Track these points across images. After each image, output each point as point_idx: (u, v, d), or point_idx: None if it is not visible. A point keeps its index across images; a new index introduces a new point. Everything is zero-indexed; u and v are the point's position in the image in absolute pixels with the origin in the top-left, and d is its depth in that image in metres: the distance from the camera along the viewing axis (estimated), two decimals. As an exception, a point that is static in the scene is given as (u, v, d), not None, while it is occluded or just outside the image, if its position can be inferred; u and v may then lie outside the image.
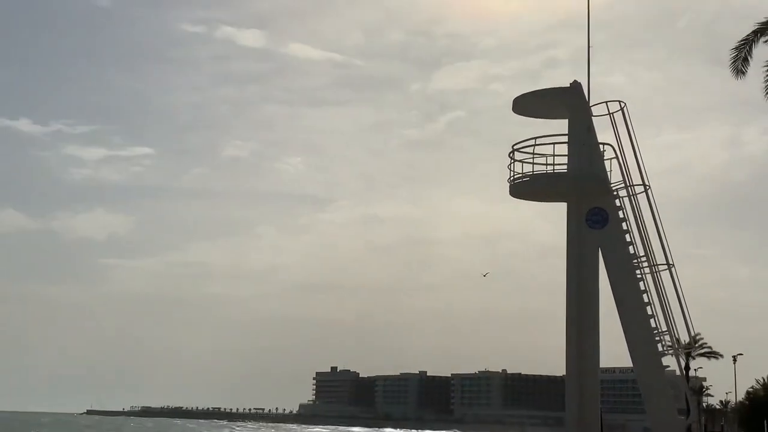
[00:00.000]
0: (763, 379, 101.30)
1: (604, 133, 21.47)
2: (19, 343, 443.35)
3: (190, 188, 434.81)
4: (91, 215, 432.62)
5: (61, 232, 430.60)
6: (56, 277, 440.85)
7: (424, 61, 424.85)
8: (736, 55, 25.70)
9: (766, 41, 25.48)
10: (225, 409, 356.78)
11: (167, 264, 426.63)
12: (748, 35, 25.59)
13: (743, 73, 26.04)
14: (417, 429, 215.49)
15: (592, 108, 21.57)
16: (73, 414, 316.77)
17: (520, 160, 21.87)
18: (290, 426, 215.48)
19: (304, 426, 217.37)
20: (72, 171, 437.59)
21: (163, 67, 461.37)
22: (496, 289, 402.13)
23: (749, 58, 25.71)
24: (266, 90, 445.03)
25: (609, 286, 20.87)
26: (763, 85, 25.83)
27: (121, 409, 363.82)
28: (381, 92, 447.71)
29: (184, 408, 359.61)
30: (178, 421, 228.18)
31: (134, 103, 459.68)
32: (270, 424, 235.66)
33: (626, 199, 20.93)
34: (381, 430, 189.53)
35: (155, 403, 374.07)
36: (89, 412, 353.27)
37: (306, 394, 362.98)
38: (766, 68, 25.66)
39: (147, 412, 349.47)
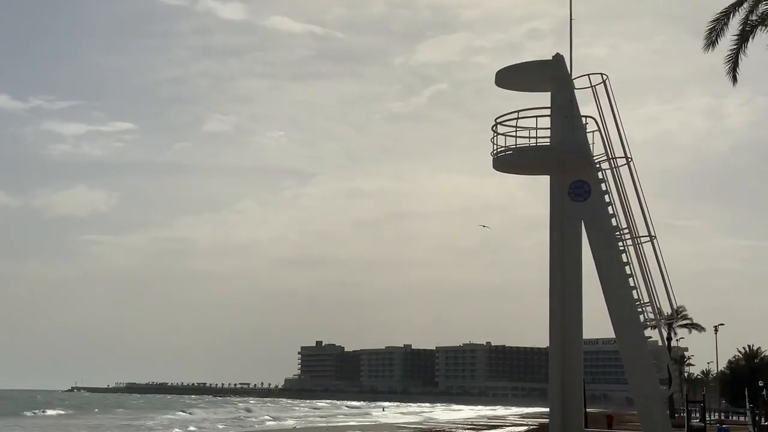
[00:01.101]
0: (745, 349, 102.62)
1: (586, 105, 21.53)
2: (2, 321, 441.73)
3: (172, 163, 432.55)
4: (73, 192, 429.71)
5: (42, 209, 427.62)
6: (38, 254, 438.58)
7: (406, 34, 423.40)
8: (713, 27, 25.59)
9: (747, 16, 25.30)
10: (211, 384, 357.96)
11: (150, 240, 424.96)
12: (727, 7, 25.52)
13: (714, 45, 25.93)
14: (402, 402, 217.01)
15: (574, 81, 21.59)
16: (58, 391, 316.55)
17: (503, 134, 21.89)
18: (290, 401, 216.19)
19: (301, 401, 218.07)
20: (52, 147, 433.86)
21: (144, 41, 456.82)
22: (480, 262, 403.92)
23: (725, 29, 25.60)
24: (247, 64, 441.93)
25: (592, 259, 21.00)
26: (726, 63, 25.71)
27: (107, 386, 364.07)
28: (363, 65, 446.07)
29: (169, 384, 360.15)
30: (169, 397, 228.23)
31: (114, 78, 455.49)
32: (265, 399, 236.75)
33: (608, 172, 21.02)
34: (375, 403, 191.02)
35: (141, 379, 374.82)
36: (74, 389, 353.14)
37: (292, 368, 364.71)
38: (734, 41, 25.47)
39: (132, 389, 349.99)
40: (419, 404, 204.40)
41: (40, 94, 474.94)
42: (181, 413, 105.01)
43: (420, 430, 59.40)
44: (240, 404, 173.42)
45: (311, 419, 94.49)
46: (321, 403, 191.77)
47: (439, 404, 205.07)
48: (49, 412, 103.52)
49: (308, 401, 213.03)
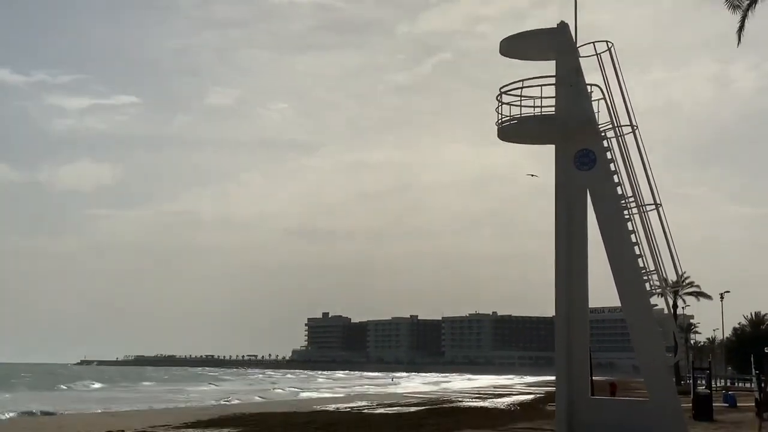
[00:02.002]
0: (750, 316, 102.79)
1: (592, 74, 21.39)
2: (9, 296, 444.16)
3: (175, 136, 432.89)
4: (77, 166, 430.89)
5: (47, 183, 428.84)
6: (44, 229, 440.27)
7: (409, 3, 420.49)
8: None
9: None
10: (218, 356, 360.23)
11: (156, 213, 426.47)
12: None
13: (739, 6, 25.58)
14: (409, 372, 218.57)
15: (579, 49, 21.44)
16: (67, 365, 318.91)
17: (507, 103, 21.79)
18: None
19: (313, 372, 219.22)
20: (56, 121, 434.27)
21: (145, 13, 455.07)
22: (486, 232, 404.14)
23: None
24: (250, 35, 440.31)
25: (597, 227, 20.98)
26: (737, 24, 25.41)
27: (115, 359, 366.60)
28: (366, 35, 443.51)
29: (177, 356, 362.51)
30: (175, 369, 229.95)
31: (116, 52, 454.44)
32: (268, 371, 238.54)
33: (614, 140, 20.94)
34: (390, 374, 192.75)
35: (148, 352, 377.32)
36: (83, 362, 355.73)
37: (298, 340, 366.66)
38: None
39: (140, 361, 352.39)
40: (435, 374, 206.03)
41: (42, 68, 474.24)
42: (212, 385, 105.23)
43: (428, 399, 59.75)
44: (259, 376, 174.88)
45: (343, 389, 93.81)
46: (339, 374, 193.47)
47: (455, 374, 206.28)
48: (94, 384, 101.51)
49: (319, 372, 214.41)
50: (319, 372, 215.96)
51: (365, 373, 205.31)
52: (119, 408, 47.98)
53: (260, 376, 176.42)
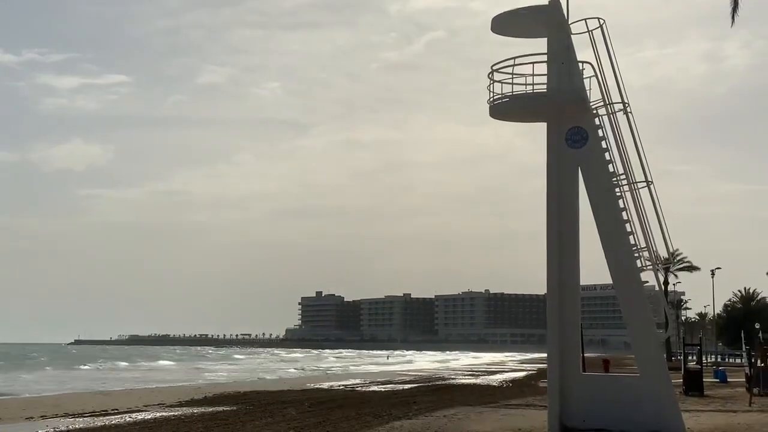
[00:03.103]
0: (741, 292, 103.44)
1: (584, 51, 21.36)
2: (2, 276, 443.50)
3: (168, 116, 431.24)
4: (69, 146, 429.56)
5: (39, 163, 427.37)
6: (37, 209, 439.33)
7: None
8: None
9: None
10: (212, 335, 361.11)
11: (148, 193, 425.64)
12: None
13: None
14: (404, 350, 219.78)
15: (571, 26, 21.38)
16: (61, 344, 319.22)
17: (499, 81, 21.74)
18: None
19: (310, 350, 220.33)
20: (47, 101, 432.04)
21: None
22: (478, 210, 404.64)
23: None
24: (240, 13, 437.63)
25: (589, 205, 21.04)
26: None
27: (109, 338, 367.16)
28: (358, 13, 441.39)
29: (171, 335, 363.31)
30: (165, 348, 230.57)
31: (107, 31, 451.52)
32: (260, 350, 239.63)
33: (605, 118, 20.95)
34: (394, 352, 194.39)
35: (143, 331, 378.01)
36: (77, 342, 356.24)
37: (292, 318, 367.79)
38: None
39: (134, 340, 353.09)
40: (440, 351, 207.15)
41: (33, 47, 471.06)
42: (227, 364, 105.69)
43: (419, 377, 60.09)
44: (269, 354, 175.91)
45: (358, 367, 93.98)
46: (346, 352, 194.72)
47: (458, 352, 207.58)
48: (119, 363, 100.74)
49: (317, 351, 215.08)
50: (320, 351, 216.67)
51: (371, 351, 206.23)
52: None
53: (269, 354, 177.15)
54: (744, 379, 38.26)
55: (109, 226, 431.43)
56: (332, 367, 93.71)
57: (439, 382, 50.32)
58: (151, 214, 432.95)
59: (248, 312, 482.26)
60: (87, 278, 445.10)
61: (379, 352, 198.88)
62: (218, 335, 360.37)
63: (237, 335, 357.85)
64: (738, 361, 72.74)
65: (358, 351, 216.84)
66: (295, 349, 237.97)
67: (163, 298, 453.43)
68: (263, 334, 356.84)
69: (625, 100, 20.74)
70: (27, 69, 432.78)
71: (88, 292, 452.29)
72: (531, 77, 21.36)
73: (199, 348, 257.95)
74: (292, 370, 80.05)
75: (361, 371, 76.52)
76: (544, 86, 21.37)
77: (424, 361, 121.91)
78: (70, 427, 23.31)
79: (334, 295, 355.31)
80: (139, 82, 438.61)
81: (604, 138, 20.99)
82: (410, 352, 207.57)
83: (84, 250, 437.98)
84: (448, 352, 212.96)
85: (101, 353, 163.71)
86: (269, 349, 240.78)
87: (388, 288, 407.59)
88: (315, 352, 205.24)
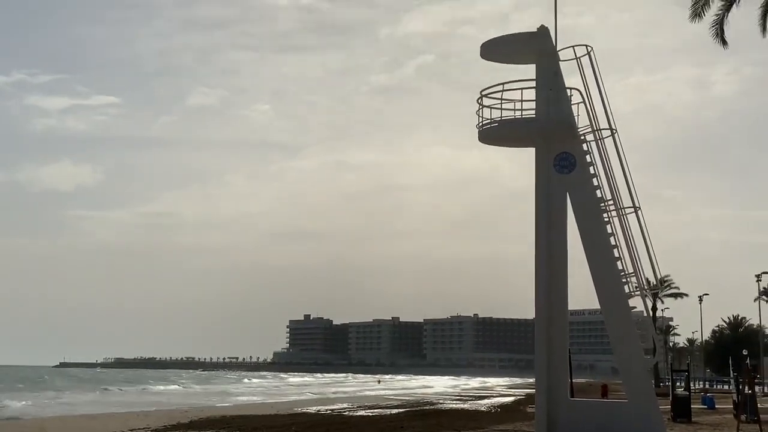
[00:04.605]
0: (729, 319, 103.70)
1: (572, 77, 21.54)
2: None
3: (157, 137, 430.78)
4: (57, 166, 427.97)
5: (27, 184, 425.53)
6: (24, 229, 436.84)
7: (392, 4, 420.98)
8: None
9: None
10: (199, 358, 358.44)
11: (137, 214, 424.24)
12: None
13: (701, 16, 26.13)
14: (392, 375, 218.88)
15: (559, 52, 21.57)
16: (46, 367, 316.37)
17: (488, 106, 21.90)
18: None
19: (302, 374, 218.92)
20: (36, 121, 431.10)
21: (126, 13, 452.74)
22: (467, 234, 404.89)
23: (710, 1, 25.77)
24: (232, 36, 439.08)
25: (577, 230, 21.11)
26: (712, 27, 25.89)
27: (95, 361, 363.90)
28: (349, 37, 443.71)
29: (157, 359, 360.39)
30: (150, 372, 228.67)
31: (97, 51, 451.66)
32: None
33: (593, 144, 21.08)
34: (383, 376, 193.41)
35: (127, 354, 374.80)
36: (62, 365, 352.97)
37: (280, 342, 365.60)
38: (720, 8, 25.59)
39: (120, 363, 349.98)
40: (440, 376, 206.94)
41: (22, 68, 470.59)
42: (242, 383, 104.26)
43: (406, 402, 59.78)
44: (269, 377, 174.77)
45: (360, 391, 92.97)
46: (339, 376, 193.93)
47: (463, 376, 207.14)
48: (126, 387, 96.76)
49: (307, 375, 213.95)
50: (308, 375, 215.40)
51: (360, 375, 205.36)
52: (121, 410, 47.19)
53: (269, 377, 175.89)
54: (732, 406, 38.20)
55: (96, 247, 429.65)
56: (364, 389, 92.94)
57: (427, 407, 50.01)
58: (139, 235, 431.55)
59: (236, 335, 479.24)
60: (72, 300, 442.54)
61: (364, 376, 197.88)
62: (205, 358, 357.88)
63: (224, 358, 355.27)
64: (726, 387, 72.73)
65: (351, 375, 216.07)
66: (295, 373, 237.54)
67: (149, 320, 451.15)
68: (251, 357, 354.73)
69: (613, 126, 20.92)
70: (16, 89, 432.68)
71: (71, 314, 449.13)
72: (520, 103, 21.52)
73: (204, 372, 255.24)
74: (309, 395, 78.23)
75: (392, 395, 74.91)
76: (533, 112, 21.51)
77: (440, 386, 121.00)
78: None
79: (322, 318, 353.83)
80: (128, 103, 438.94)
81: (592, 164, 21.10)
82: (400, 376, 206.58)
83: (70, 272, 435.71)
84: (438, 376, 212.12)
85: (114, 376, 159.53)
86: (274, 373, 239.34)
87: (376, 311, 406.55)
88: (319, 375, 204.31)
